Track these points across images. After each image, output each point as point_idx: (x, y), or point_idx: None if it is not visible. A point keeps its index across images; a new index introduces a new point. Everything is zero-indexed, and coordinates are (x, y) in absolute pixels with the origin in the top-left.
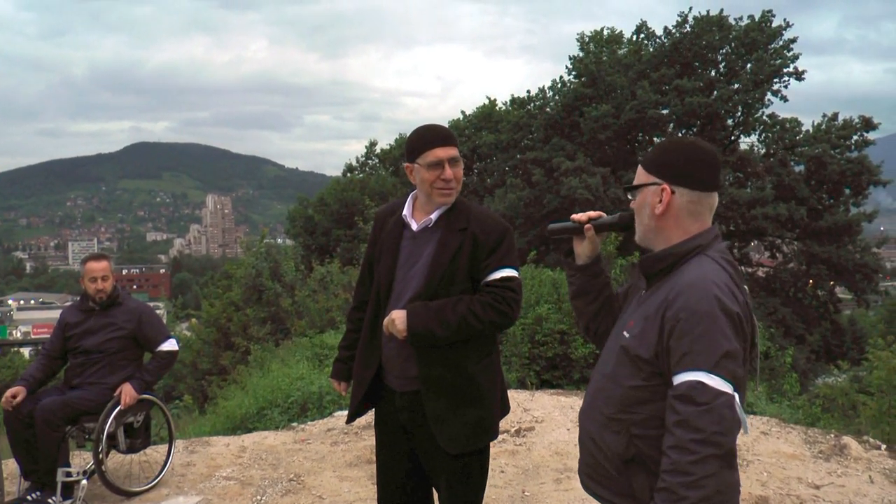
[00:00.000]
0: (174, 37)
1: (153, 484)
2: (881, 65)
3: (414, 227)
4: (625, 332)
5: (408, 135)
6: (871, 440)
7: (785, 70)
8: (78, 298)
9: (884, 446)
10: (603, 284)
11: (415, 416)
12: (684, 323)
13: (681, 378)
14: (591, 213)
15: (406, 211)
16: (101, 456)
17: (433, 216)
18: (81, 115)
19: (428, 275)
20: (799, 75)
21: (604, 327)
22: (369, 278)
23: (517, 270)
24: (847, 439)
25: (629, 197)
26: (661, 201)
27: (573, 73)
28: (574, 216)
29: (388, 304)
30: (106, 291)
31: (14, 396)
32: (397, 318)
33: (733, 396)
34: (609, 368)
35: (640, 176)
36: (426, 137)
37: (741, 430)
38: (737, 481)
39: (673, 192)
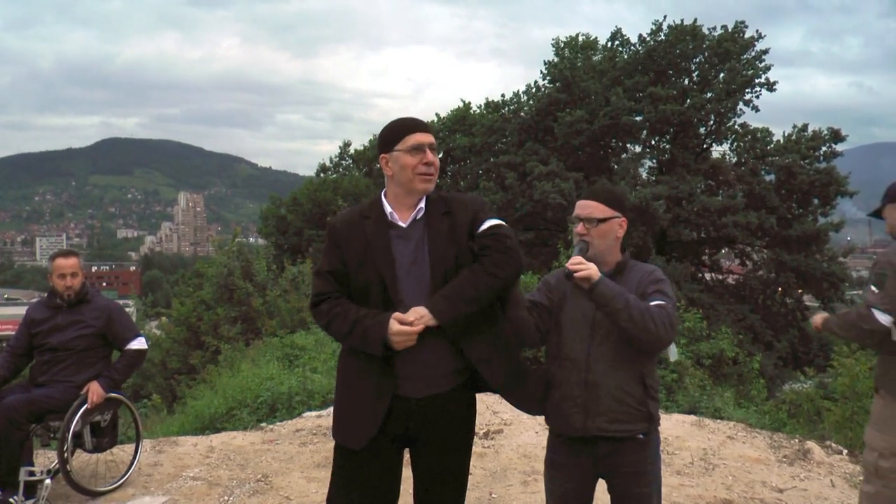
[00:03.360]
0: (144, 32)
1: (119, 484)
2: (845, 78)
3: (402, 223)
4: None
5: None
6: (834, 445)
7: (757, 81)
8: (45, 295)
9: (845, 451)
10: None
11: (428, 419)
12: (657, 282)
13: (652, 300)
14: (576, 260)
15: (389, 209)
16: (66, 455)
17: (421, 206)
18: (49, 108)
19: (434, 266)
20: (770, 86)
21: (547, 325)
22: (344, 289)
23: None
24: (811, 444)
25: (587, 224)
26: (621, 228)
27: (547, 77)
28: (582, 264)
29: (397, 307)
30: (74, 289)
31: None
32: (424, 316)
33: (675, 307)
34: (615, 337)
35: (604, 210)
36: (405, 124)
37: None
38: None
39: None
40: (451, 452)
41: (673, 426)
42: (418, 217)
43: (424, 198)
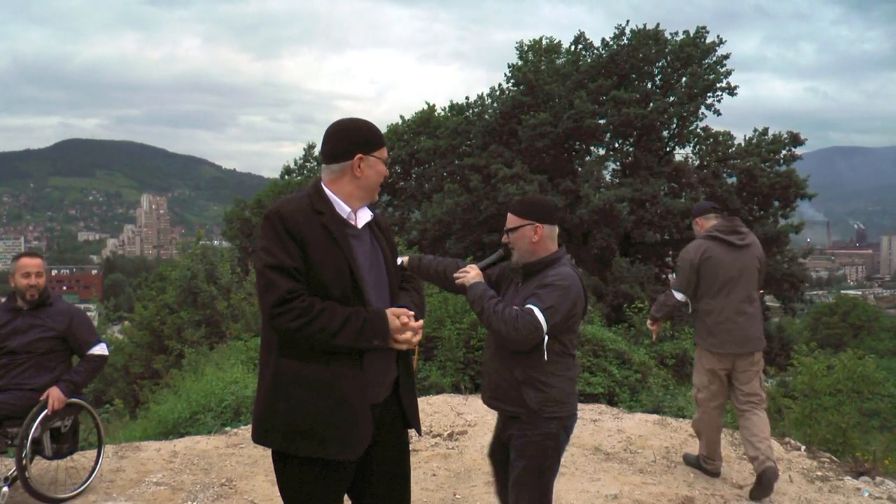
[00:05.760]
0: (103, 31)
1: (80, 490)
2: (801, 83)
3: (358, 224)
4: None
5: (346, 124)
6: (793, 441)
7: (718, 85)
8: (4, 299)
9: (803, 447)
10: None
11: (384, 422)
12: (543, 287)
13: (526, 303)
14: (475, 267)
15: (345, 209)
16: (24, 462)
17: (369, 212)
18: (4, 108)
19: (391, 271)
20: (731, 90)
21: None
22: (313, 285)
23: None
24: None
25: (507, 233)
26: (535, 233)
27: (511, 80)
28: (465, 272)
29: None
30: (38, 288)
31: None
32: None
33: (538, 318)
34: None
35: (515, 220)
36: (380, 133)
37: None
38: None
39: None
40: (403, 453)
41: (636, 425)
42: (367, 221)
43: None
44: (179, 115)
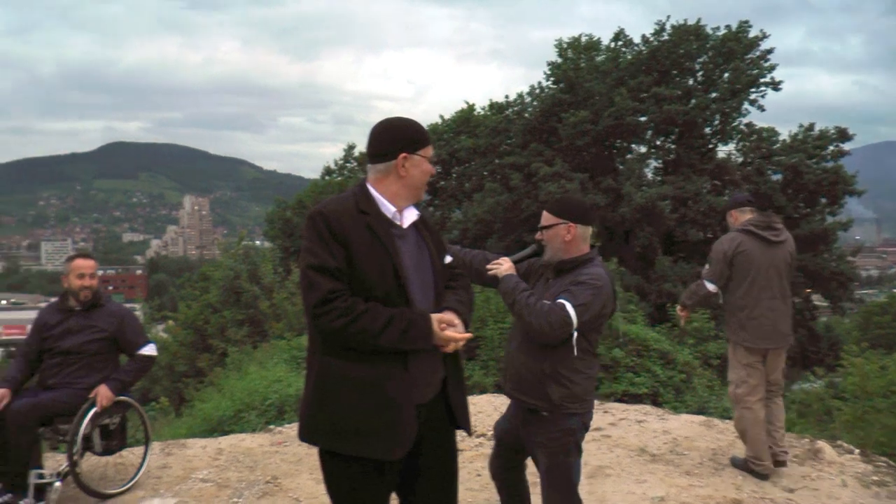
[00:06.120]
0: (144, 37)
1: (128, 486)
2: (848, 77)
3: (404, 224)
4: (545, 301)
5: (390, 123)
6: (845, 445)
7: (762, 80)
8: (55, 299)
9: (857, 451)
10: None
11: (431, 422)
12: (576, 284)
13: (558, 298)
14: (507, 260)
15: (390, 209)
16: (75, 458)
17: (416, 211)
18: (51, 113)
19: (437, 272)
20: (776, 85)
21: None
22: (356, 285)
23: None
24: (821, 444)
25: (541, 230)
26: (568, 232)
27: (551, 78)
28: (497, 264)
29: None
30: (92, 289)
31: (1, 399)
32: (457, 322)
33: (570, 314)
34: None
35: (549, 219)
36: (425, 131)
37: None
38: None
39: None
40: (450, 454)
41: (682, 426)
42: (414, 221)
43: (414, 204)
44: (220, 117)
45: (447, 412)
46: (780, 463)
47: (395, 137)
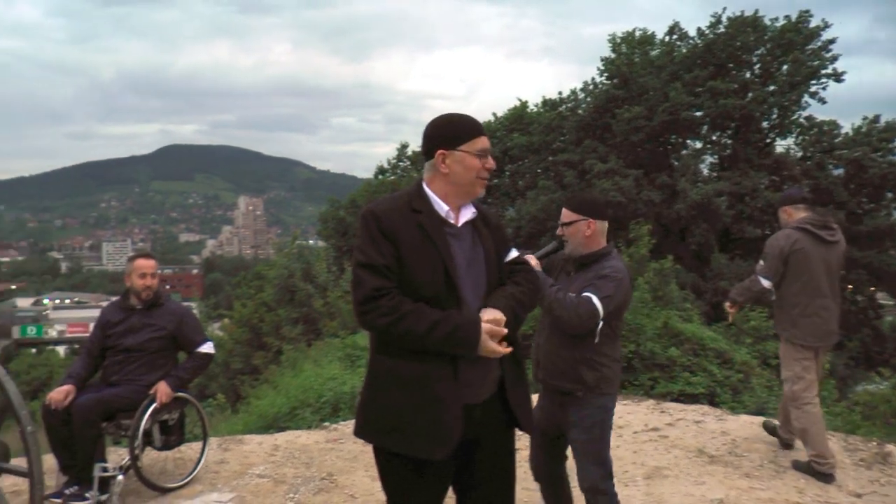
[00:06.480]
0: (198, 41)
1: (187, 480)
2: None
3: (458, 222)
4: (571, 294)
5: (431, 122)
6: None
7: (823, 71)
8: (116, 297)
9: None
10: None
11: (487, 422)
12: (599, 278)
13: (584, 291)
14: (533, 257)
15: (443, 207)
16: (136, 452)
17: (473, 209)
18: (110, 117)
19: (491, 270)
20: (838, 77)
21: None
22: (406, 284)
23: None
24: (890, 447)
25: (562, 226)
26: (588, 228)
27: (605, 74)
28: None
29: (460, 307)
30: (153, 288)
31: (66, 395)
32: (501, 317)
33: (597, 306)
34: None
35: (570, 215)
36: (471, 124)
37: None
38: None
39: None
40: (507, 454)
41: (741, 427)
42: (470, 219)
43: (470, 202)
44: (272, 118)
45: (505, 412)
46: (787, 445)
47: (431, 135)
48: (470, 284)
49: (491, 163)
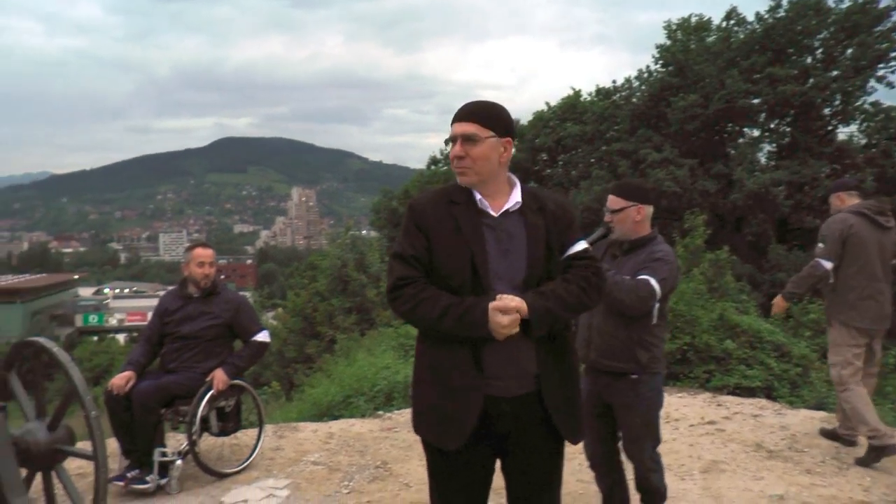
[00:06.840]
0: (252, 36)
1: (244, 466)
2: None
3: (493, 213)
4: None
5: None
6: None
7: (892, 54)
8: (174, 286)
9: None
10: None
11: (521, 420)
12: (653, 261)
13: (640, 274)
14: (583, 242)
15: (479, 196)
16: (194, 438)
17: (517, 199)
18: (167, 112)
19: (529, 260)
20: None
21: None
22: (436, 274)
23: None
24: None
25: (610, 213)
26: (638, 214)
27: (660, 61)
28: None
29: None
30: (211, 277)
31: (127, 381)
32: (517, 303)
33: (655, 288)
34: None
35: (619, 202)
36: (457, 113)
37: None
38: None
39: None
40: (542, 458)
41: (801, 422)
42: (512, 209)
43: (518, 189)
44: (325, 110)
45: (544, 412)
46: (851, 443)
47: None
48: (502, 276)
49: (455, 150)
